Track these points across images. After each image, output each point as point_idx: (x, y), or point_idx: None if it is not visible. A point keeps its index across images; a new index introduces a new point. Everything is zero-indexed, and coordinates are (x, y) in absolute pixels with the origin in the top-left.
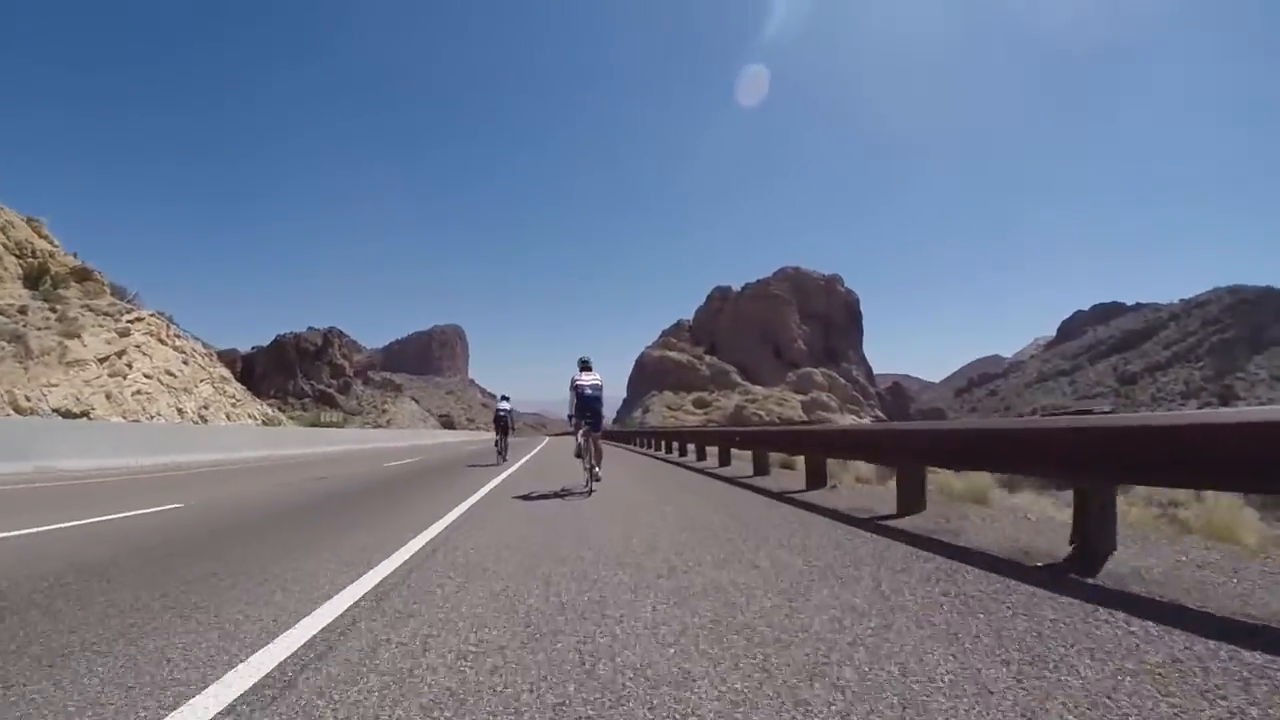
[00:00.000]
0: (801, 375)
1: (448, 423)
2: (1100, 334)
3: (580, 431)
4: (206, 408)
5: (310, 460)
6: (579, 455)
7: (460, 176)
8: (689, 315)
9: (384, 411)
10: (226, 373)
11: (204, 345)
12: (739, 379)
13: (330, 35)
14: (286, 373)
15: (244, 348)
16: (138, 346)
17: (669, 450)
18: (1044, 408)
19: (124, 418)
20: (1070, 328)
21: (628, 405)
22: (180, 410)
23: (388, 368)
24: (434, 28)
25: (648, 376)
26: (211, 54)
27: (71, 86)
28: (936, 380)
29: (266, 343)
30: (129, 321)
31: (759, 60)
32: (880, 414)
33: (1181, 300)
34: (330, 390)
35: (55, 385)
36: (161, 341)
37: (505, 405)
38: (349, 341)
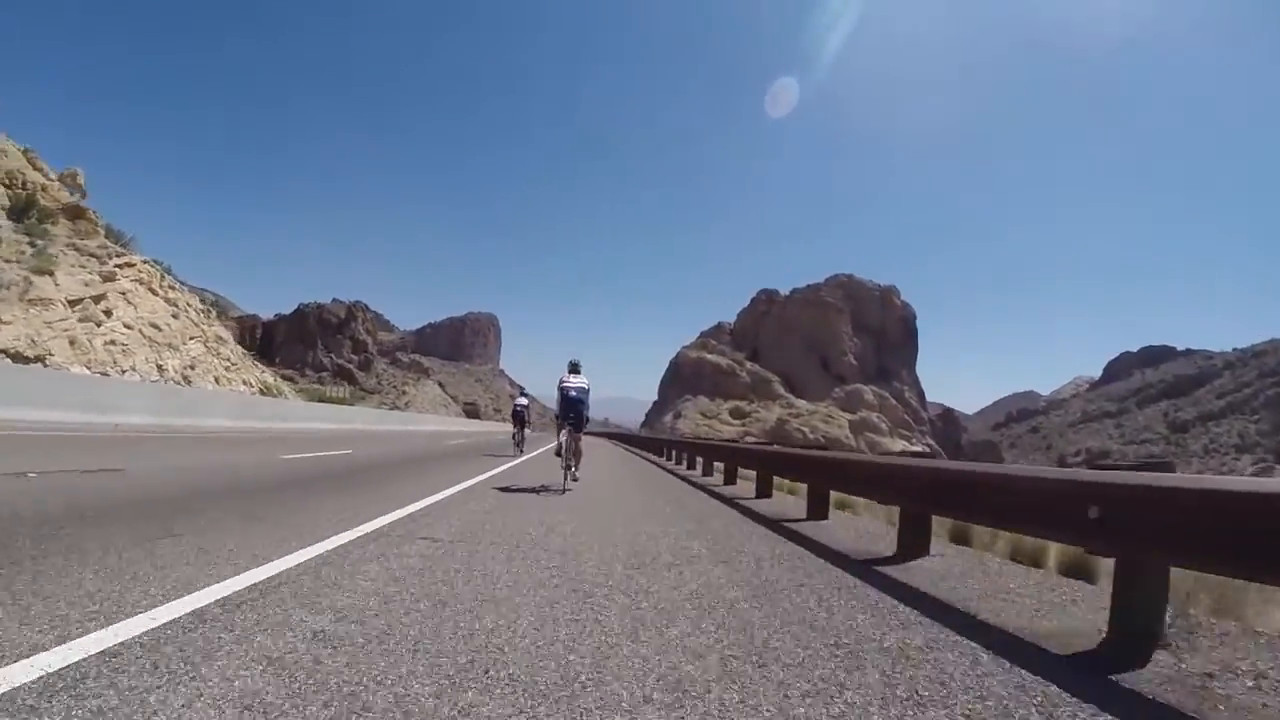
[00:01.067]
0: (850, 392)
1: (472, 411)
2: (1149, 377)
3: (563, 431)
4: (192, 368)
5: (201, 437)
6: (558, 454)
7: (504, 166)
8: (730, 319)
9: (403, 393)
10: (225, 333)
11: (203, 302)
12: (781, 390)
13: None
14: (306, 344)
15: (267, 314)
16: (122, 294)
17: (680, 462)
18: (1088, 450)
19: (88, 368)
20: (1116, 369)
21: (658, 408)
22: (160, 367)
23: (419, 351)
24: (492, 11)
25: (683, 379)
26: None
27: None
28: (970, 412)
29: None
30: (116, 266)
31: (793, 72)
32: (931, 442)
33: (1236, 349)
34: (350, 366)
35: (8, 323)
36: (153, 291)
37: (523, 401)
38: (374, 317)
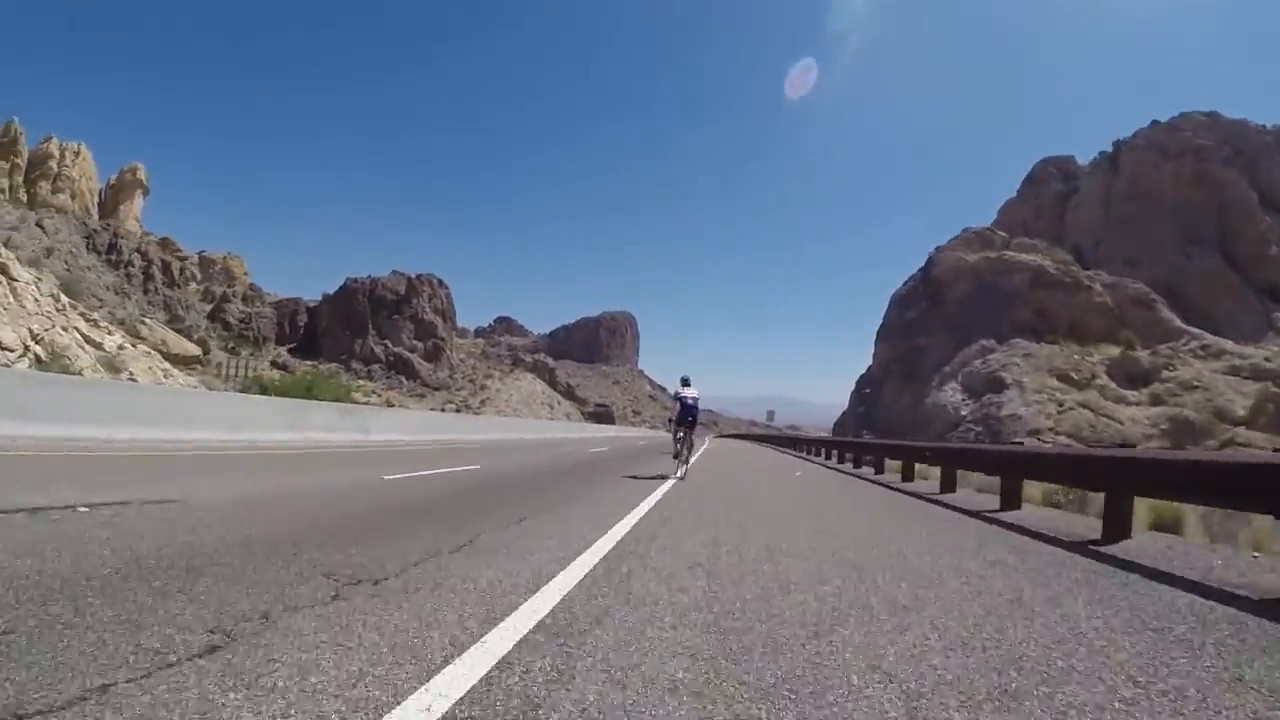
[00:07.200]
0: None
1: (604, 416)
2: None
3: (679, 430)
4: None
5: None
6: (675, 443)
7: (648, 169)
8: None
9: (482, 388)
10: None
11: None
12: (1174, 317)
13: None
14: (356, 330)
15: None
16: None
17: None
18: None
19: None
20: None
21: (874, 387)
22: None
23: (552, 354)
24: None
25: (947, 306)
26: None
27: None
28: None
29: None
30: None
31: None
32: None
33: None
34: (411, 356)
35: None
36: None
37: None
38: (446, 292)
